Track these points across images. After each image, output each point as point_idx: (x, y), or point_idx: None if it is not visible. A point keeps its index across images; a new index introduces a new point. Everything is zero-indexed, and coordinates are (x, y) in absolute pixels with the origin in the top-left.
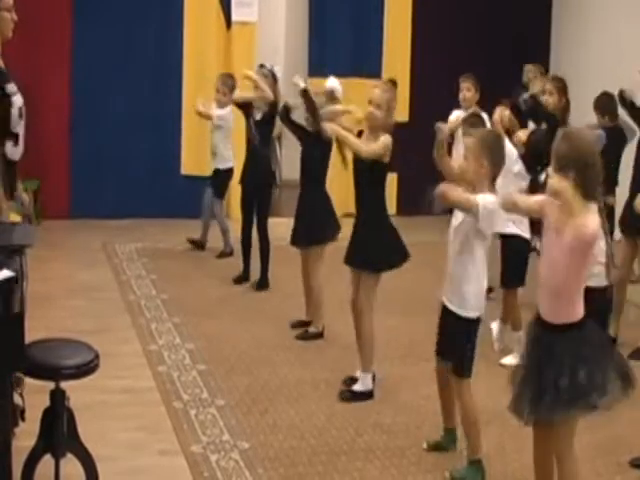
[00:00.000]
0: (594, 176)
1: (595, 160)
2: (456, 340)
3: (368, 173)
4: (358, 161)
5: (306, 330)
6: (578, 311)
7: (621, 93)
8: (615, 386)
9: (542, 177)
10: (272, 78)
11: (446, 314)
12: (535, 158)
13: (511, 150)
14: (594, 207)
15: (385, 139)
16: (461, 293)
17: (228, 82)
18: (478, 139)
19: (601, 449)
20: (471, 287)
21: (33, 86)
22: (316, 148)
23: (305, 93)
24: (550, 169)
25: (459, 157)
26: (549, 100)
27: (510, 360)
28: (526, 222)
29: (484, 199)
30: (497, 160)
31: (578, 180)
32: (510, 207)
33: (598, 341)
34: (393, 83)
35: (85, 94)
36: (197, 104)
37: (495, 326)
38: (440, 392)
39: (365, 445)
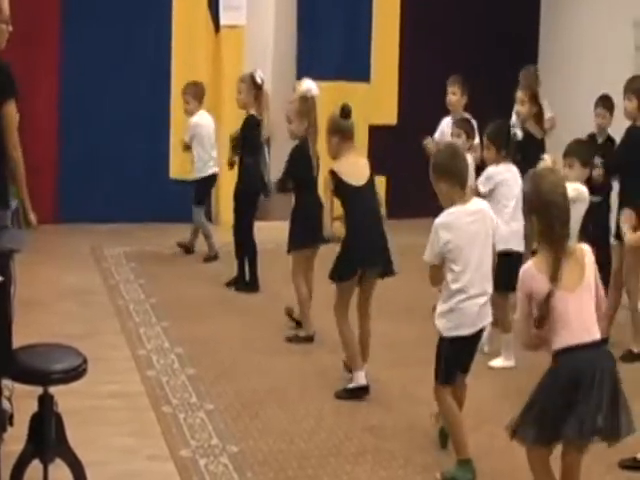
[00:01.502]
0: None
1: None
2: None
3: None
4: None
5: (296, 334)
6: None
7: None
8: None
9: None
10: (250, 82)
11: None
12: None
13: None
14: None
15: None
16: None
17: (190, 90)
18: (432, 165)
19: (590, 451)
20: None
21: (21, 89)
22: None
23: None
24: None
25: None
26: (521, 109)
27: (499, 362)
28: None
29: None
30: (456, 177)
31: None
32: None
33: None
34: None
35: (73, 98)
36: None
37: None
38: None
39: (354, 448)
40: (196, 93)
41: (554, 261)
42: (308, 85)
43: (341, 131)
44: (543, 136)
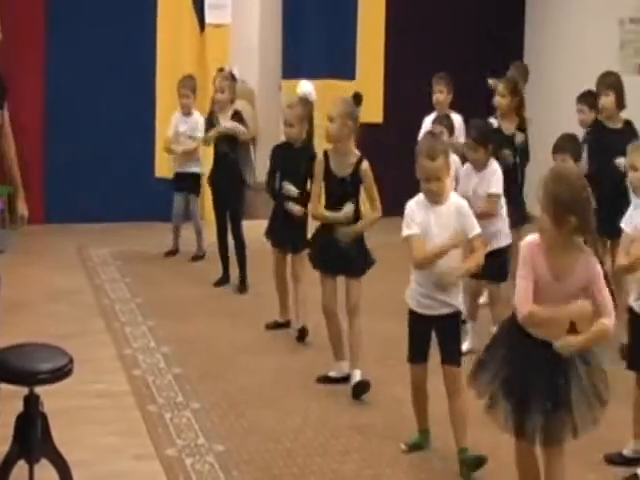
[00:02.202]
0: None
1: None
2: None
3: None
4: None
5: (275, 321)
6: None
7: None
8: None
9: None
10: (231, 79)
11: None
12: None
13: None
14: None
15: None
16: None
17: (189, 84)
18: (445, 158)
19: (575, 448)
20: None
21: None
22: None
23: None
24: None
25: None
26: (501, 102)
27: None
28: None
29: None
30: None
31: (578, 223)
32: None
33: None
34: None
35: (59, 98)
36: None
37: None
38: (417, 399)
39: (341, 446)
40: (193, 87)
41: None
42: (308, 89)
43: (356, 118)
44: (513, 132)
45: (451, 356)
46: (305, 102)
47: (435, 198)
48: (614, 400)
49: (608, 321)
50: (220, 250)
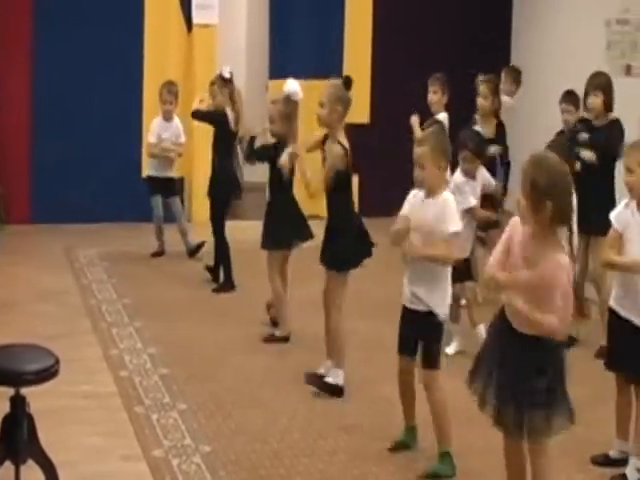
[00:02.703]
0: (569, 202)
1: (570, 186)
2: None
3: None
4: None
5: (272, 333)
6: None
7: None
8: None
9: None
10: (220, 81)
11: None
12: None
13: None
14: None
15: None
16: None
17: (174, 89)
18: (431, 144)
19: (562, 449)
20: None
21: None
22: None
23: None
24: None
25: None
26: (483, 103)
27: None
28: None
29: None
30: (449, 153)
31: (554, 209)
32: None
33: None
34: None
35: (46, 99)
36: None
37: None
38: (401, 391)
39: (328, 447)
40: (176, 93)
41: (570, 237)
42: (294, 88)
43: (345, 101)
44: (494, 135)
45: (422, 357)
46: (288, 100)
47: (419, 185)
48: (602, 401)
49: (554, 320)
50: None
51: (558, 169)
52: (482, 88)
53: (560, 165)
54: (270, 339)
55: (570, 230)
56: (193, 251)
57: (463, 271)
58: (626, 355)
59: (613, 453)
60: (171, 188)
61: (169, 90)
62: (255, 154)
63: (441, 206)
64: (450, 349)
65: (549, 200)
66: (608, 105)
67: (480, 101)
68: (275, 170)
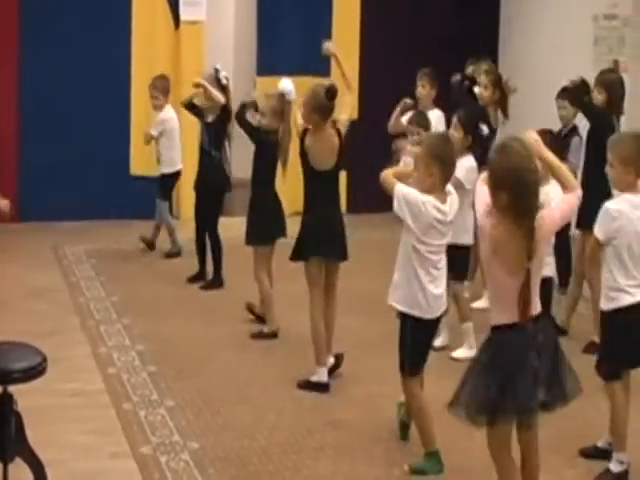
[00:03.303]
0: (530, 194)
1: (532, 176)
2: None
3: None
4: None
5: (261, 330)
6: (495, 317)
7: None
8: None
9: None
10: (217, 83)
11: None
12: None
13: None
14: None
15: None
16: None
17: (159, 85)
18: (427, 147)
19: (551, 444)
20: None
21: None
22: (268, 147)
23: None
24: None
25: None
26: (483, 94)
27: (462, 353)
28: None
29: (404, 189)
30: (447, 166)
31: (511, 198)
32: None
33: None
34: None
35: (34, 96)
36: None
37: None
38: None
39: (316, 443)
40: (164, 87)
41: (527, 233)
42: (288, 88)
43: (322, 111)
44: (497, 126)
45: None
46: (282, 98)
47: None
48: (589, 395)
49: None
50: (198, 247)
51: (520, 159)
52: (483, 78)
53: (523, 156)
54: (258, 335)
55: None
56: (171, 254)
57: (455, 269)
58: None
59: (601, 444)
60: (159, 186)
61: (154, 85)
62: (245, 122)
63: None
64: (459, 352)
65: (503, 191)
66: (611, 103)
67: (480, 91)
68: (259, 162)
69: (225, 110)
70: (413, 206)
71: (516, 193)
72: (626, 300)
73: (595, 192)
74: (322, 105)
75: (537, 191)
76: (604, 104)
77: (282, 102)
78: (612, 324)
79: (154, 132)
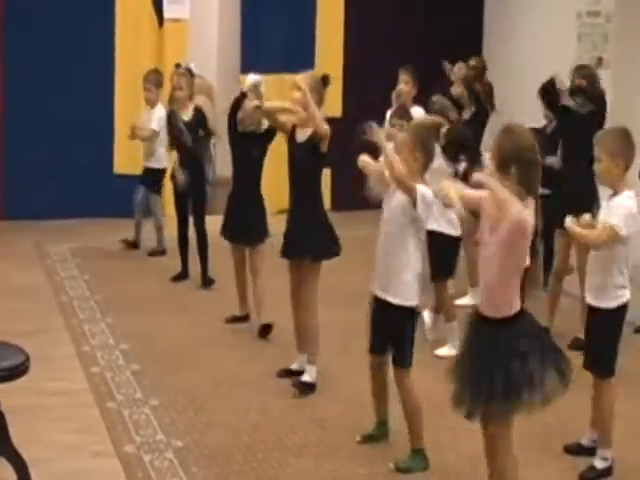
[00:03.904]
0: (535, 172)
1: (536, 156)
2: (394, 330)
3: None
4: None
5: (233, 315)
6: (514, 305)
7: (552, 80)
8: (552, 380)
9: (461, 169)
10: (189, 75)
11: (380, 307)
12: (456, 150)
13: None
14: (531, 203)
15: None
16: (399, 282)
17: (152, 78)
18: (412, 133)
19: (535, 439)
20: (408, 275)
21: None
22: (254, 147)
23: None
24: (487, 160)
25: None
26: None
27: (445, 351)
28: (453, 219)
29: (423, 189)
30: (429, 152)
31: (519, 175)
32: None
33: (535, 335)
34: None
35: (17, 94)
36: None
37: (427, 316)
38: (373, 386)
39: (299, 441)
40: (157, 81)
41: (535, 209)
42: (255, 78)
43: (321, 95)
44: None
45: (393, 354)
46: (256, 90)
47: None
48: (573, 391)
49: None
50: (180, 246)
51: (526, 138)
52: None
53: (528, 136)
54: (231, 320)
55: (537, 203)
56: (155, 252)
57: (440, 269)
58: None
59: (585, 442)
60: (153, 181)
61: (147, 78)
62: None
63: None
64: (443, 350)
65: (514, 165)
66: (592, 95)
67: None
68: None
69: (197, 111)
70: (431, 207)
71: (523, 168)
72: (626, 296)
73: (578, 188)
74: (321, 89)
75: (539, 170)
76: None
77: (257, 93)
78: (617, 321)
79: (156, 127)
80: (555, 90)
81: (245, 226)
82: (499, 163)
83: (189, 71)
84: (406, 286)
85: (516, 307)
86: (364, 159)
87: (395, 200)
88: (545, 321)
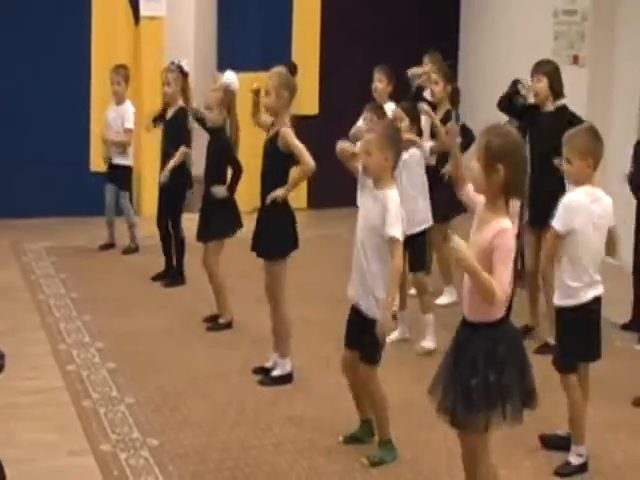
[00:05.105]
0: (522, 172)
1: (523, 155)
2: (365, 331)
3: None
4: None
5: (216, 322)
6: (494, 311)
7: (516, 82)
8: (517, 399)
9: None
10: (179, 72)
11: (354, 309)
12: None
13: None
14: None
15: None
16: (372, 299)
17: (121, 71)
18: (381, 133)
19: (510, 436)
20: (381, 293)
21: None
22: (219, 144)
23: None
24: (473, 162)
25: None
26: (435, 89)
27: (426, 344)
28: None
29: (394, 195)
30: (398, 151)
31: (506, 175)
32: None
33: (514, 343)
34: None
35: None
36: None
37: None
38: (349, 384)
39: (275, 439)
40: (126, 76)
41: (521, 211)
42: (229, 79)
43: (291, 87)
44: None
45: (361, 351)
46: (227, 89)
47: (364, 172)
48: (548, 390)
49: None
50: (164, 245)
51: (513, 137)
52: (433, 75)
53: (516, 135)
54: (213, 327)
55: (522, 205)
56: (129, 250)
57: (415, 261)
58: None
59: (561, 432)
60: (123, 178)
61: (117, 71)
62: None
63: (381, 204)
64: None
65: (501, 164)
66: (554, 90)
67: (432, 87)
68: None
69: (184, 109)
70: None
71: (511, 166)
72: (580, 298)
73: (546, 189)
74: (290, 80)
75: (527, 169)
76: (546, 89)
77: (226, 93)
78: (574, 318)
79: (132, 126)
80: (514, 98)
81: (205, 224)
82: (486, 163)
83: (180, 68)
84: (379, 303)
85: (497, 313)
86: (342, 145)
87: (371, 212)
88: (529, 320)
